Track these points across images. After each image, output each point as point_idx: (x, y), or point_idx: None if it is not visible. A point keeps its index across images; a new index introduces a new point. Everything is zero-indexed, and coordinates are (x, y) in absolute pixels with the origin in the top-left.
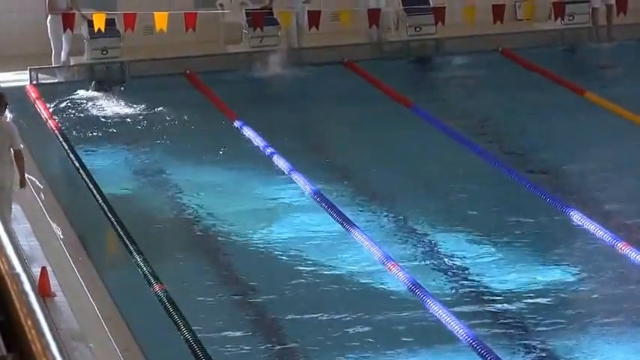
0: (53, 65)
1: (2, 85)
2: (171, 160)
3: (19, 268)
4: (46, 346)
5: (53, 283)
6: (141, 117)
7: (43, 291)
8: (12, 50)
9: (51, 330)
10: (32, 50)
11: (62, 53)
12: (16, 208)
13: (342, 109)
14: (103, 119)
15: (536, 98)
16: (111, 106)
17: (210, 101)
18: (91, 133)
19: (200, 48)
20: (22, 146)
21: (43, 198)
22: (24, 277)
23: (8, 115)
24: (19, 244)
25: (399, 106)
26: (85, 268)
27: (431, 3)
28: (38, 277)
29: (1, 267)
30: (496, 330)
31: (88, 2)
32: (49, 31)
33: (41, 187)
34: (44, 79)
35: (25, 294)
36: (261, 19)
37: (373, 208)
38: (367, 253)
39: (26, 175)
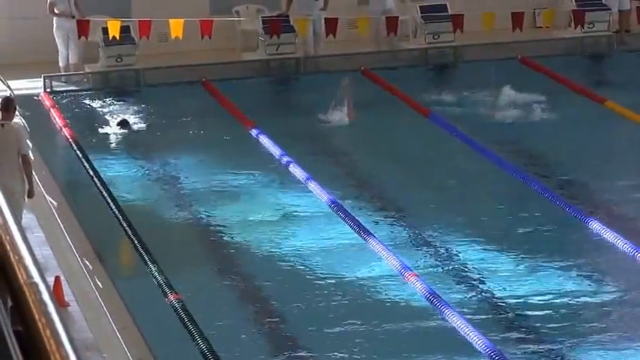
0: (63, 72)
1: (16, 92)
2: (187, 168)
3: (37, 278)
4: (65, 357)
5: (67, 293)
6: (156, 125)
7: (57, 301)
8: (25, 57)
9: (70, 340)
10: (46, 57)
11: (60, 58)
12: (29, 217)
13: (358, 117)
14: (117, 127)
15: (555, 106)
16: (126, 114)
17: (226, 109)
18: (106, 141)
19: (216, 55)
20: (30, 152)
21: (57, 207)
22: (42, 287)
23: (20, 121)
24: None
25: (417, 115)
26: (99, 277)
27: (449, 10)
28: (52, 287)
29: (20, 276)
30: (514, 339)
31: (102, 9)
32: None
33: (55, 195)
34: (58, 86)
35: (44, 303)
36: (277, 26)
37: (390, 217)
38: (384, 263)
39: (40, 186)
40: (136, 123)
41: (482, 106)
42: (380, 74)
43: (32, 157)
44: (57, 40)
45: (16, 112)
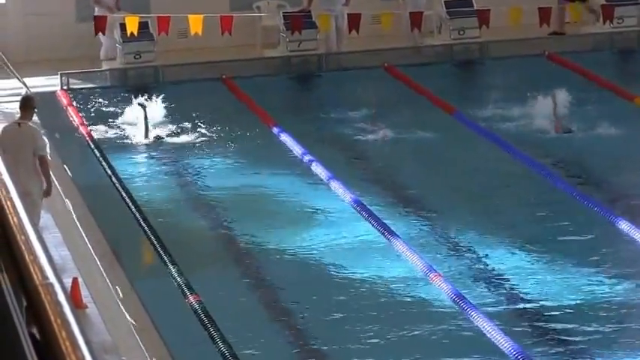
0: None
1: (32, 90)
2: (207, 167)
3: (52, 278)
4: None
5: (85, 294)
6: (175, 123)
7: (74, 302)
8: (42, 54)
9: (86, 342)
10: (63, 54)
11: (102, 49)
12: (46, 217)
13: (382, 114)
14: (136, 126)
15: (583, 104)
16: (144, 112)
17: (246, 107)
18: (124, 140)
19: (236, 52)
20: (48, 152)
21: (75, 207)
22: (58, 287)
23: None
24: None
25: (442, 112)
26: (118, 278)
27: (475, 5)
28: (69, 288)
29: (35, 276)
30: (542, 342)
31: (120, 5)
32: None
33: (72, 195)
34: (75, 84)
35: (60, 304)
36: (299, 22)
37: (415, 217)
38: (409, 264)
39: (57, 186)
40: (155, 120)
41: (510, 104)
42: (404, 71)
43: (50, 158)
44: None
45: (35, 111)
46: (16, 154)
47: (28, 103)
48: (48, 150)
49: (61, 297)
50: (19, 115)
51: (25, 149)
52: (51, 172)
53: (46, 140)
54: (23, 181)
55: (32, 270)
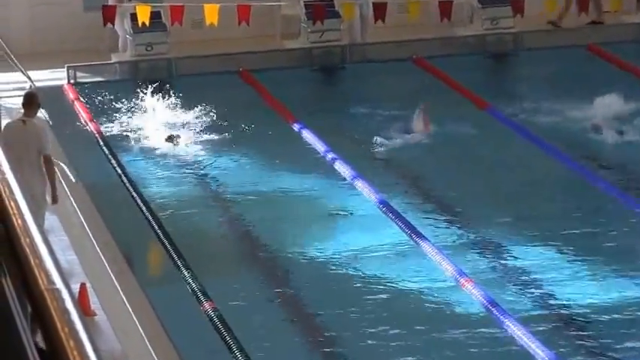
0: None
1: (37, 84)
2: (223, 166)
3: (59, 283)
4: None
5: (93, 301)
6: (189, 119)
7: (82, 309)
8: (48, 46)
9: (95, 352)
10: (69, 46)
11: (120, 40)
12: (53, 219)
13: (410, 109)
14: (147, 122)
15: (626, 99)
16: (156, 108)
17: (265, 102)
18: (135, 137)
19: (254, 43)
20: (51, 152)
21: (82, 208)
22: (65, 293)
23: (44, 116)
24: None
25: (473, 107)
26: (128, 284)
27: None
28: (77, 294)
29: (40, 281)
30: (576, 349)
31: None
32: None
33: (80, 196)
34: (83, 77)
35: (67, 311)
36: (321, 11)
37: (444, 218)
38: (438, 268)
39: (64, 186)
40: (168, 117)
41: (545, 99)
42: (433, 63)
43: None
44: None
45: (40, 108)
46: (20, 152)
47: (31, 100)
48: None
49: (69, 303)
50: (22, 112)
51: (30, 148)
52: (57, 172)
53: (50, 141)
54: (27, 181)
55: (37, 275)
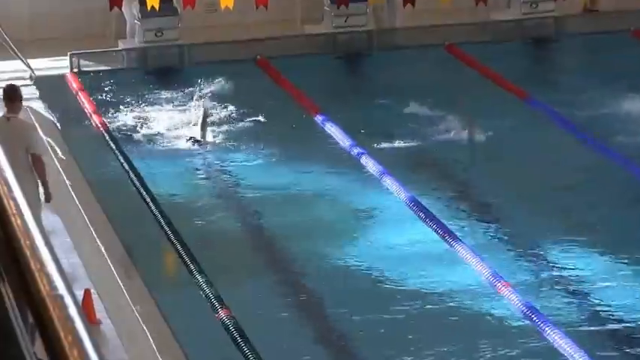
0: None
1: (37, 73)
2: (239, 162)
3: (62, 289)
4: None
5: (99, 308)
6: (202, 111)
7: (87, 317)
8: (49, 32)
9: None
10: (73, 32)
11: (127, 25)
12: (54, 220)
13: (442, 100)
14: (157, 114)
15: None
16: (167, 99)
17: (285, 92)
18: (144, 130)
19: (273, 29)
20: (45, 150)
21: (87, 207)
22: (68, 300)
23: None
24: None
25: (512, 97)
26: (137, 290)
27: None
28: (81, 301)
29: (41, 287)
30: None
31: None
32: None
33: (84, 194)
34: (87, 66)
35: (70, 319)
36: None
37: (480, 217)
38: (472, 271)
39: (67, 183)
40: (178, 108)
41: (590, 88)
42: (467, 50)
43: (43, 153)
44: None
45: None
46: (5, 151)
47: (13, 94)
48: (44, 147)
49: (72, 310)
50: (5, 109)
51: (16, 146)
52: (48, 174)
53: (42, 136)
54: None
55: (38, 280)
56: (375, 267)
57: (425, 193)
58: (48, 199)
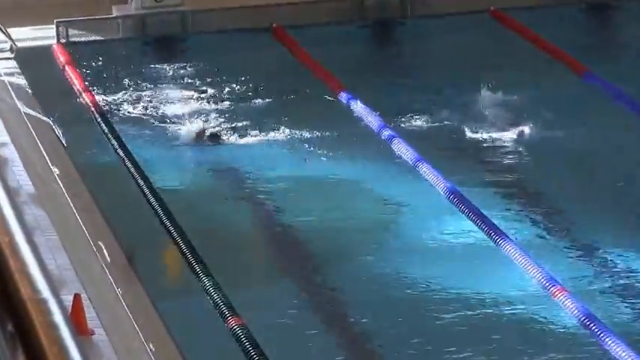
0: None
1: (20, 44)
2: (251, 148)
3: (46, 292)
4: None
5: (90, 317)
6: (208, 88)
7: (76, 326)
8: None
9: None
10: None
11: None
12: (40, 214)
13: (487, 74)
14: (156, 91)
15: None
16: (168, 74)
17: (304, 66)
18: (141, 110)
19: None
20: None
21: (76, 199)
22: (53, 305)
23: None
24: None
25: (567, 71)
26: (134, 295)
27: None
28: (70, 307)
29: (22, 290)
30: None
31: None
32: None
33: (73, 184)
34: (77, 36)
35: (55, 327)
36: None
37: (531, 213)
38: (523, 274)
39: (53, 171)
40: (181, 83)
41: None
42: (516, 16)
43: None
44: None
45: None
46: None
47: None
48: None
49: (58, 317)
50: None
51: None
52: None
53: None
54: None
55: (19, 282)
56: (406, 264)
57: (467, 183)
58: None
